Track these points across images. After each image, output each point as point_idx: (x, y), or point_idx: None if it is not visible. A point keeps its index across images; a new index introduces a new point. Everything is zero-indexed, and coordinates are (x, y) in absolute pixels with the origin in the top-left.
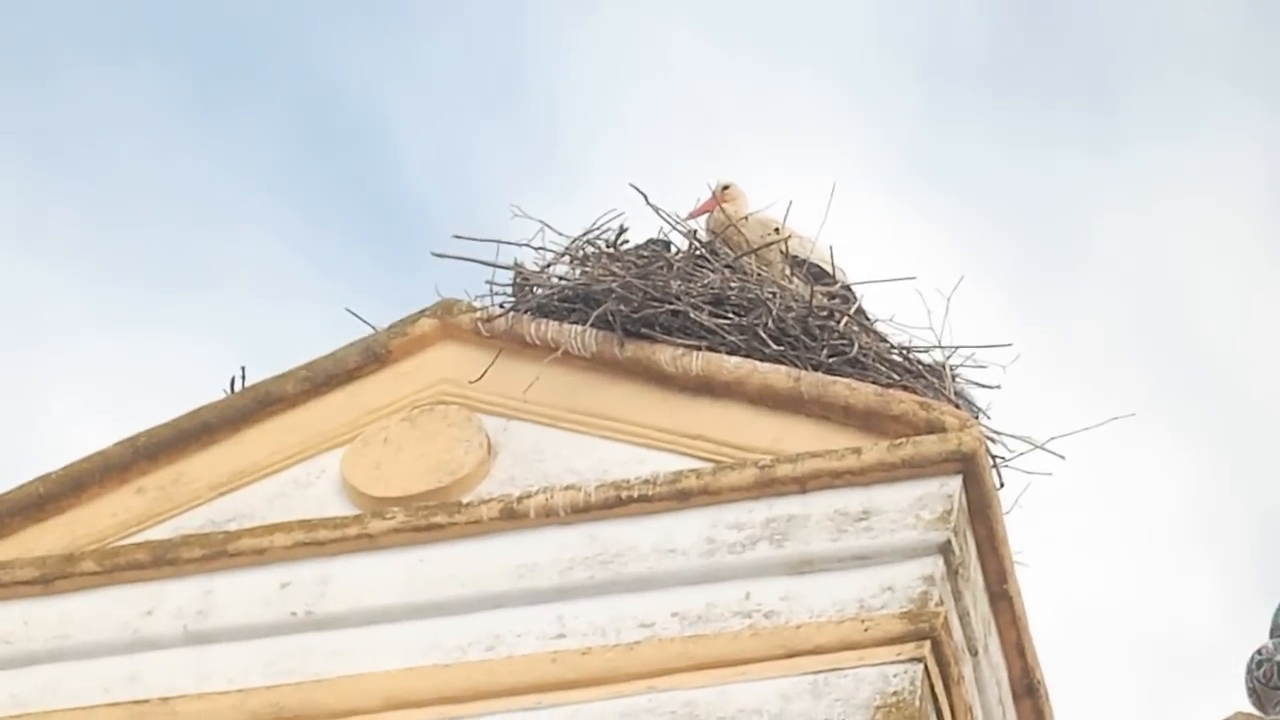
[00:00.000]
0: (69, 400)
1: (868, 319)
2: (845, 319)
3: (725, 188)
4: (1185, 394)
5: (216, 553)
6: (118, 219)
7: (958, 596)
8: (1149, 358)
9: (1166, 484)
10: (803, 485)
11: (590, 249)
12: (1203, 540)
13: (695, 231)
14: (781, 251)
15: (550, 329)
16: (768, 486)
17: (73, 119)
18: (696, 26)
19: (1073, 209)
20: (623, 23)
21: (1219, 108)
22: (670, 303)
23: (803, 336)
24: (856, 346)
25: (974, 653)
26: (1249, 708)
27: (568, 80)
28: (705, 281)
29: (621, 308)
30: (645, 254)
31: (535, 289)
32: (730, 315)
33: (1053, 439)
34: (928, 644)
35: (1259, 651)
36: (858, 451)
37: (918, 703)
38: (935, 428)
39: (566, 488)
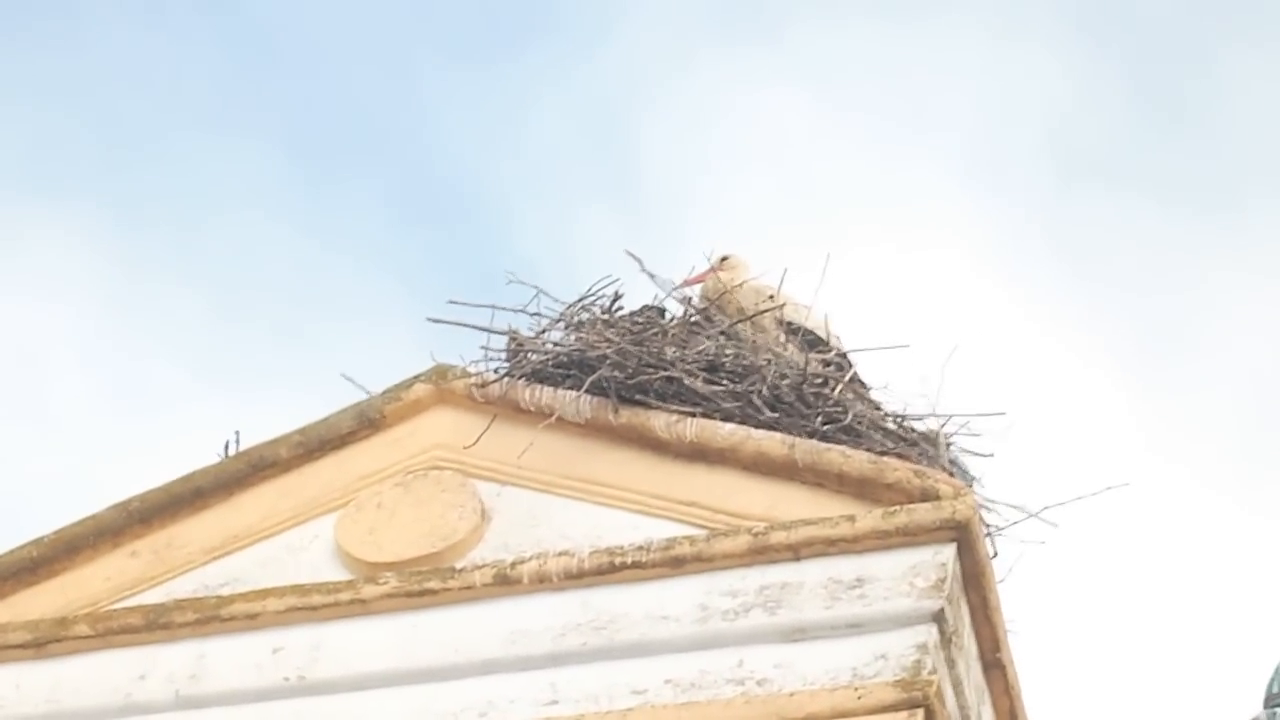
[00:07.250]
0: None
1: (863, 386)
2: (840, 386)
3: (724, 259)
4: None
5: (209, 617)
6: (223, 289)
7: (951, 665)
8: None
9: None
10: (796, 553)
11: (585, 315)
12: (1196, 608)
13: (690, 298)
14: (776, 318)
15: (545, 395)
16: (761, 554)
17: (177, 192)
18: (808, 105)
19: (1198, 285)
20: (729, 95)
21: None
22: (665, 369)
23: (797, 403)
24: (851, 414)
25: None
26: None
27: (671, 152)
28: (700, 348)
29: (616, 374)
30: (640, 320)
31: (530, 355)
32: (725, 382)
33: (1046, 508)
34: (921, 712)
35: None
36: (852, 519)
37: None
38: (929, 496)
39: (560, 554)
